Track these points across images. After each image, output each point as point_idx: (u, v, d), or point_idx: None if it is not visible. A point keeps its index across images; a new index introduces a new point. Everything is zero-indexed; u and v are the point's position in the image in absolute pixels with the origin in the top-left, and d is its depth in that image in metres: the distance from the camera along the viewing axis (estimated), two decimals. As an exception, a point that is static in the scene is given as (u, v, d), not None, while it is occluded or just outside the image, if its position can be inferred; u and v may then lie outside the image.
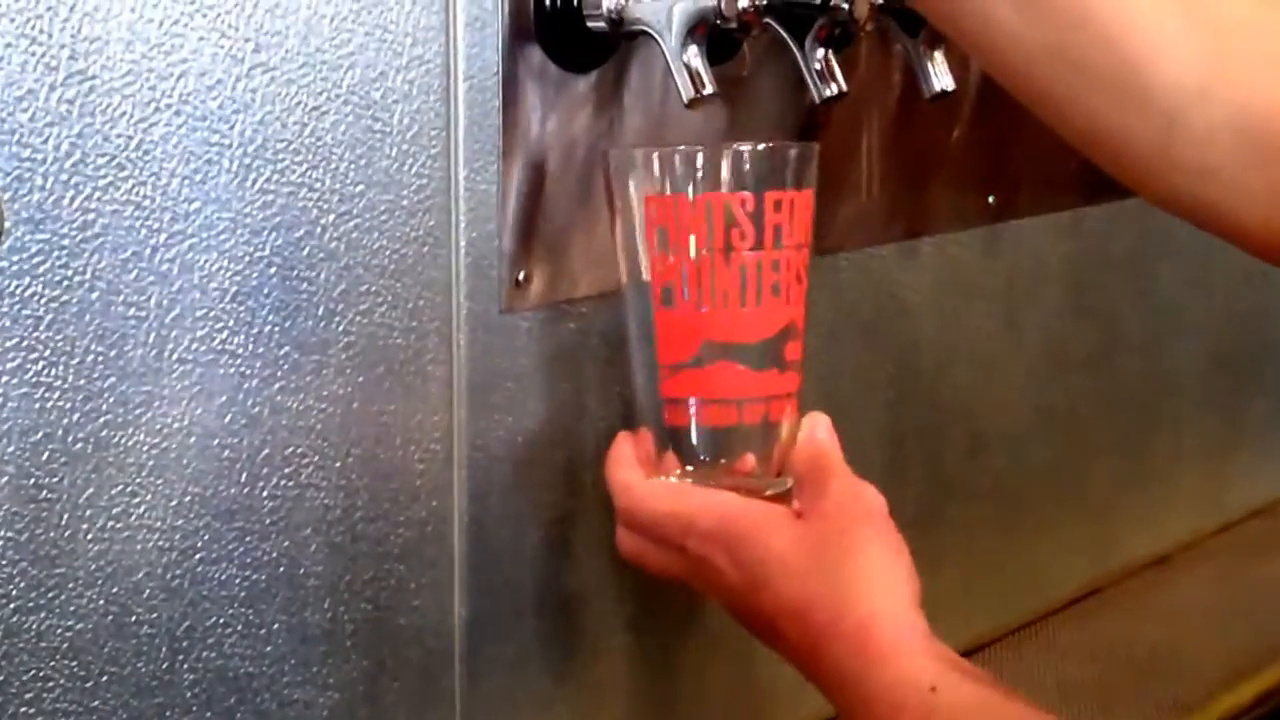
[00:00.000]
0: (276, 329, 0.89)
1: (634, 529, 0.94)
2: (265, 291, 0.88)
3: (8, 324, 0.78)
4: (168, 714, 0.86)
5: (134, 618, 0.85)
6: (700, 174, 0.91)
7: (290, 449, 0.90)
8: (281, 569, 0.91)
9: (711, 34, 0.98)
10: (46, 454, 0.80)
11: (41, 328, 0.79)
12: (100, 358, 0.82)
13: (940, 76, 1.16)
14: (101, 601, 0.83)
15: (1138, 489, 1.62)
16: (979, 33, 0.90)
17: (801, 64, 1.08)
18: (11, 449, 0.79)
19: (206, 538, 0.87)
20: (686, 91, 0.97)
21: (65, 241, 0.80)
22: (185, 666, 0.87)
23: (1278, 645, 1.44)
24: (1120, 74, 0.87)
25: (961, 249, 1.35)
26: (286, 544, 0.91)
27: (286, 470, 0.90)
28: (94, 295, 0.81)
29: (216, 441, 0.87)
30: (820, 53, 1.08)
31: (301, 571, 0.92)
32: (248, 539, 0.89)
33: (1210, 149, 0.87)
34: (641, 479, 0.94)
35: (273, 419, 0.89)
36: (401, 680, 0.97)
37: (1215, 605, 1.56)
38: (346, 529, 0.93)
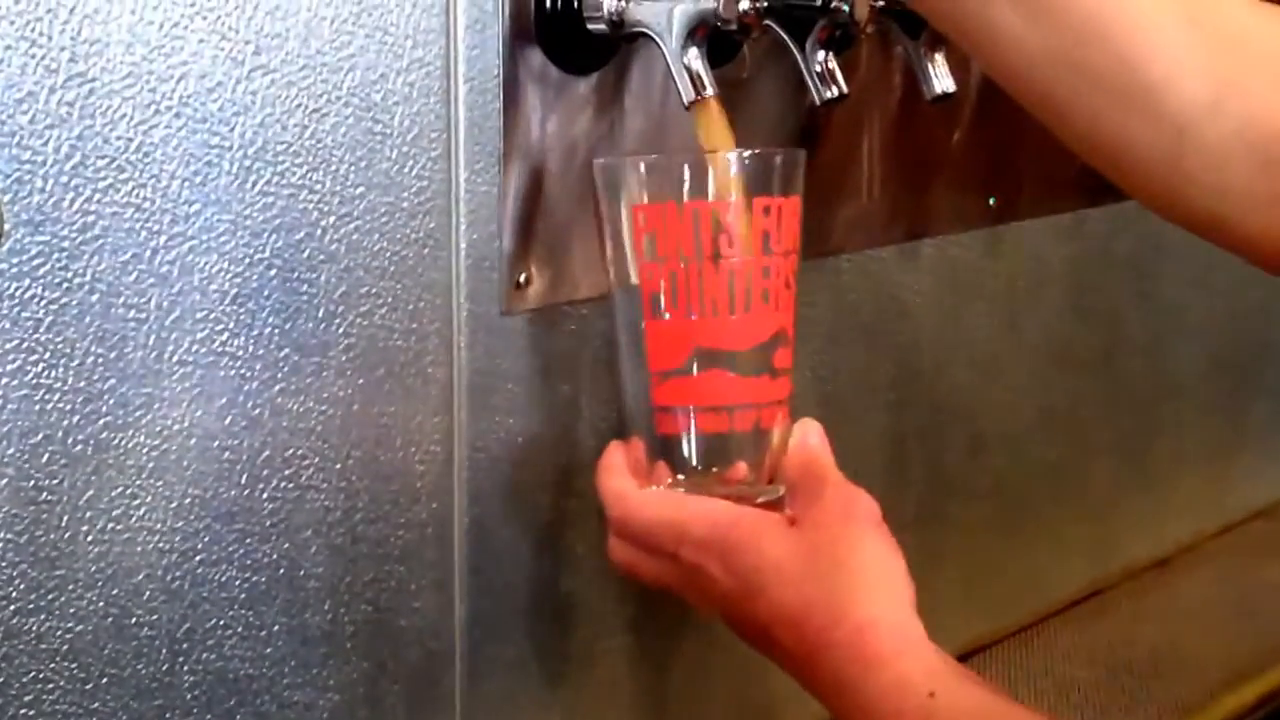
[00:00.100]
0: (277, 331, 0.89)
1: (626, 538, 0.94)
2: (265, 293, 0.88)
3: (7, 326, 0.78)
4: (168, 716, 0.87)
5: (134, 620, 0.85)
6: (688, 182, 0.91)
7: (290, 451, 0.90)
8: (282, 571, 0.91)
9: (712, 36, 0.98)
10: (46, 456, 0.80)
11: (41, 330, 0.79)
12: (100, 360, 0.82)
13: (941, 78, 1.16)
14: (101, 603, 0.83)
15: (1139, 490, 1.62)
16: (985, 40, 0.90)
17: (802, 66, 1.08)
18: (11, 451, 0.79)
19: (207, 540, 0.87)
20: (687, 94, 0.97)
21: (65, 244, 0.80)
22: (185, 668, 0.87)
23: (1279, 647, 1.44)
24: (1130, 86, 0.87)
25: (962, 251, 1.35)
26: (287, 546, 0.91)
27: (287, 472, 0.90)
28: (94, 297, 0.81)
29: (217, 443, 0.87)
30: (821, 55, 1.08)
31: (302, 573, 0.92)
32: (248, 541, 0.89)
33: (1220, 162, 0.87)
34: (634, 487, 0.94)
35: (273, 421, 0.89)
36: (402, 682, 0.97)
37: (1216, 607, 1.56)
38: (347, 531, 0.93)
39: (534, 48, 0.99)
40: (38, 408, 0.80)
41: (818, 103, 1.09)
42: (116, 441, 0.83)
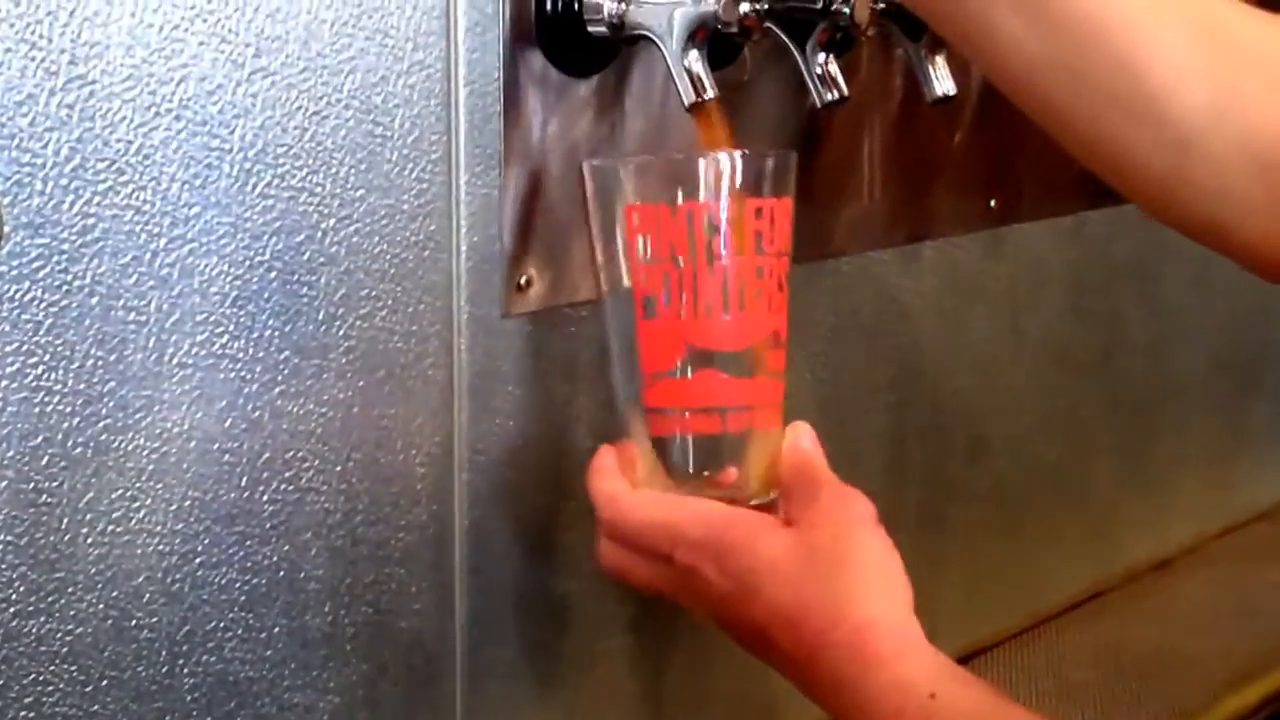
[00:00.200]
0: (277, 333, 0.89)
1: (619, 540, 0.93)
2: (265, 296, 0.88)
3: (7, 329, 0.78)
4: (167, 718, 0.87)
5: (134, 622, 0.85)
6: (681, 182, 0.91)
7: (291, 453, 0.90)
8: (282, 573, 0.91)
9: (712, 39, 0.98)
10: (46, 458, 0.80)
11: (41, 332, 0.79)
12: (100, 362, 0.82)
13: (942, 81, 1.16)
14: (101, 606, 0.83)
15: (1140, 492, 1.62)
16: (986, 45, 0.90)
17: (803, 69, 1.08)
18: (11, 453, 0.79)
19: (207, 542, 0.87)
20: (687, 96, 0.97)
21: (65, 246, 0.80)
22: (185, 671, 0.87)
23: (1280, 648, 1.45)
24: (1131, 93, 0.87)
25: (963, 253, 1.35)
26: (287, 548, 0.91)
27: (287, 474, 0.90)
28: (94, 300, 0.81)
29: (217, 446, 0.87)
30: (821, 57, 1.08)
31: (302, 575, 0.92)
32: (248, 543, 0.89)
33: (1223, 172, 0.87)
34: (626, 489, 0.93)
35: (273, 423, 0.89)
36: (402, 684, 0.97)
37: (1218, 608, 1.56)
38: (347, 533, 0.93)
39: (534, 50, 0.99)
40: (37, 410, 0.80)
41: (818, 105, 1.09)
42: (116, 444, 0.83)
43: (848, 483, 0.93)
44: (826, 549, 0.88)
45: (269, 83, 0.86)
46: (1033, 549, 1.48)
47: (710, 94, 0.97)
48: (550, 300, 1.02)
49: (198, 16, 0.83)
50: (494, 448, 1.00)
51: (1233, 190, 0.87)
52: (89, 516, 0.82)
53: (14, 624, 0.80)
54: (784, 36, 1.07)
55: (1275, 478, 1.79)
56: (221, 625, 0.88)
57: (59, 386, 0.80)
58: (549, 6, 0.98)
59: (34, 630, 0.81)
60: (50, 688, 0.82)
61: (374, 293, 0.93)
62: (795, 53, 1.07)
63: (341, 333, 0.92)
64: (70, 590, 0.82)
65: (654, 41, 0.98)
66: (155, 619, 0.85)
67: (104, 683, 0.84)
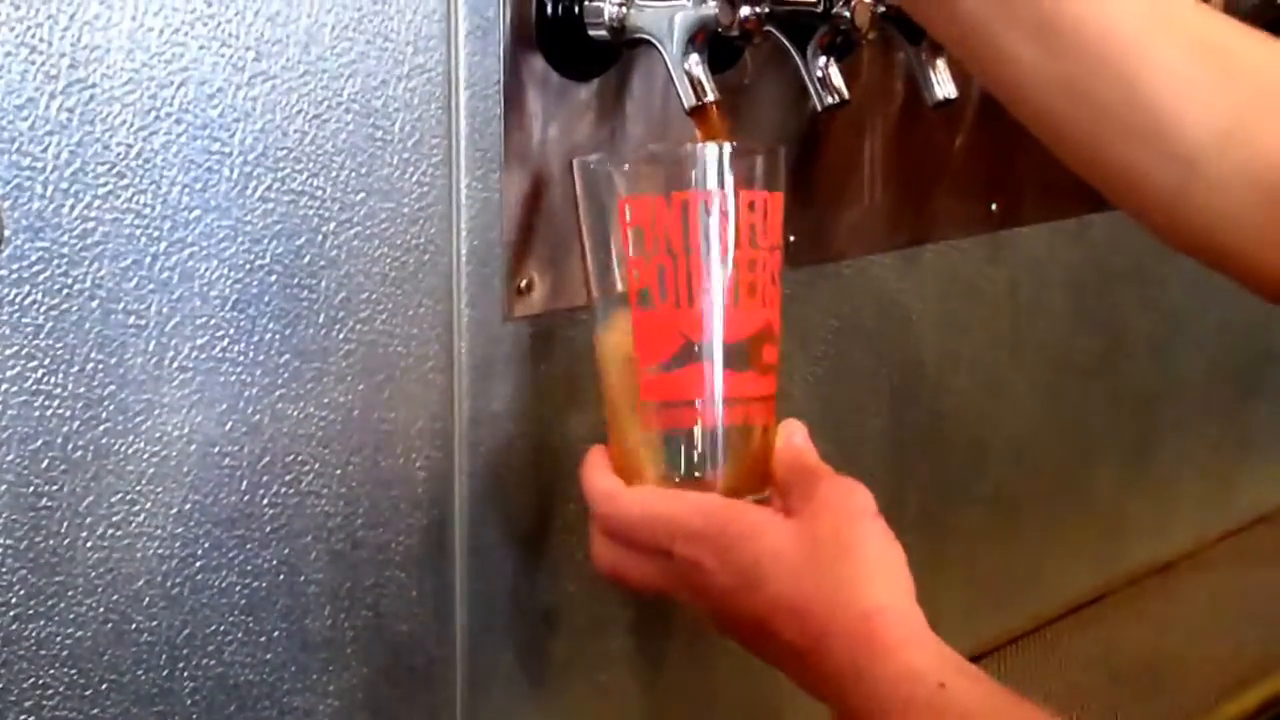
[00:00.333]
0: (277, 337, 0.89)
1: (615, 536, 0.92)
2: (266, 299, 0.88)
3: (7, 332, 0.78)
4: (168, 722, 0.87)
5: (134, 625, 0.85)
6: (675, 174, 0.91)
7: (291, 456, 0.90)
8: (282, 576, 0.91)
9: (713, 42, 0.98)
10: (46, 462, 0.80)
11: (41, 336, 0.79)
12: (100, 365, 0.82)
13: (943, 84, 1.16)
14: (101, 609, 0.83)
15: (1141, 496, 1.62)
16: (993, 65, 0.90)
17: (803, 72, 1.08)
18: (11, 457, 0.79)
19: (207, 545, 0.87)
20: (688, 99, 0.97)
21: (65, 249, 0.80)
22: (185, 674, 0.87)
23: (1281, 652, 1.45)
24: (1139, 117, 0.88)
25: (964, 256, 1.35)
26: (287, 551, 0.91)
27: (287, 478, 0.90)
28: (94, 303, 0.81)
29: (217, 449, 0.87)
30: (822, 61, 1.08)
31: (302, 579, 0.92)
32: (248, 546, 0.89)
33: (1228, 195, 0.88)
34: (621, 485, 0.92)
35: (273, 427, 0.89)
36: (402, 687, 0.97)
37: (1220, 612, 1.56)
38: (347, 536, 0.93)
39: (535, 54, 0.99)
40: (37, 414, 0.80)
41: (819, 108, 1.09)
42: (116, 447, 0.83)
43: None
44: (829, 539, 0.88)
45: (269, 86, 0.87)
46: (1034, 552, 1.48)
47: (711, 97, 0.97)
48: (551, 304, 1.02)
49: (198, 20, 0.83)
50: (494, 451, 1.00)
51: (1236, 213, 0.88)
52: (89, 520, 0.82)
53: (14, 627, 0.80)
54: (784, 40, 1.07)
55: (1276, 481, 1.79)
56: (221, 629, 0.88)
57: (59, 390, 0.80)
58: (549, 10, 0.98)
59: (34, 634, 0.81)
60: (50, 691, 0.82)
61: (374, 296, 0.93)
62: (796, 56, 1.07)
63: (342, 336, 0.92)
64: (70, 594, 0.82)
65: (654, 45, 0.98)
66: (155, 622, 0.85)
67: (104, 686, 0.84)
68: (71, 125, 0.79)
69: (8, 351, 0.78)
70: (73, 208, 0.80)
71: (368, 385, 0.93)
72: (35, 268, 0.79)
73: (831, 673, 0.86)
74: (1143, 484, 1.61)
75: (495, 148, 0.97)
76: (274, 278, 0.88)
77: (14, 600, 0.80)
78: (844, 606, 0.86)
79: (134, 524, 0.84)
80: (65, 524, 0.81)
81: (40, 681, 0.81)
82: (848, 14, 1.06)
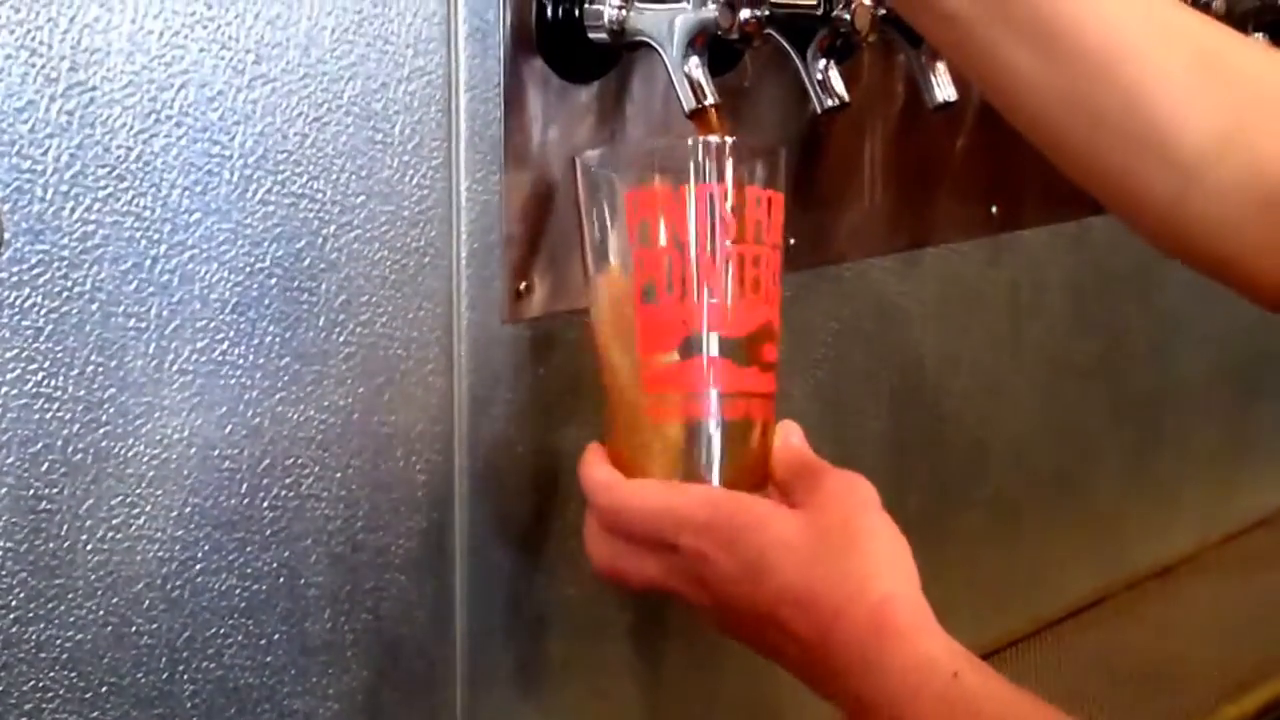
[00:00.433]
0: (277, 340, 0.89)
1: (615, 530, 0.90)
2: (266, 302, 0.88)
3: (7, 335, 0.78)
4: (167, 725, 0.87)
5: (134, 628, 0.85)
6: (682, 167, 0.91)
7: (291, 459, 0.90)
8: (282, 579, 0.91)
9: (713, 45, 0.98)
10: (46, 465, 0.80)
11: (41, 339, 0.79)
12: (100, 369, 0.82)
13: (943, 87, 1.16)
14: (101, 612, 0.83)
15: (1142, 499, 1.61)
16: (990, 74, 0.90)
17: (803, 75, 1.08)
18: (11, 459, 0.79)
19: (207, 548, 0.87)
20: (688, 102, 0.98)
21: (65, 252, 0.80)
22: (185, 677, 0.87)
23: (1281, 656, 1.45)
24: (1139, 128, 0.88)
25: (964, 259, 1.35)
26: (287, 554, 0.91)
27: (287, 481, 0.90)
28: (94, 306, 0.81)
29: (217, 452, 0.87)
30: (822, 63, 1.08)
31: (302, 582, 0.92)
32: (248, 549, 0.89)
33: (1226, 205, 0.88)
34: (622, 478, 0.91)
35: (273, 429, 0.89)
36: (402, 691, 0.97)
37: (1220, 616, 1.56)
38: (347, 539, 0.93)
39: (535, 56, 0.99)
40: (38, 416, 0.80)
41: (819, 111, 1.09)
42: (117, 450, 0.83)
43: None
44: (838, 529, 0.87)
45: (269, 89, 0.87)
46: (1034, 555, 1.48)
47: (710, 100, 0.97)
48: (551, 306, 1.02)
49: (198, 23, 0.83)
50: (494, 454, 1.00)
51: (1234, 221, 0.88)
52: (89, 523, 0.82)
53: (14, 630, 0.80)
54: (784, 42, 1.07)
55: (1277, 484, 1.79)
56: (221, 632, 0.88)
57: (59, 393, 0.80)
58: (550, 13, 0.98)
59: (34, 637, 0.81)
60: (50, 694, 0.82)
61: (374, 299, 0.93)
62: (796, 59, 1.08)
63: (342, 339, 0.92)
64: (70, 597, 0.82)
65: (654, 47, 0.98)
66: (155, 625, 0.85)
67: (104, 689, 0.84)
68: (71, 128, 0.79)
69: (8, 354, 0.78)
70: (73, 210, 0.80)
71: (368, 388, 0.93)
72: (35, 270, 0.79)
73: (840, 664, 0.85)
74: (1143, 486, 1.61)
75: (495, 151, 0.97)
76: (274, 281, 0.88)
77: (14, 603, 0.80)
78: (854, 596, 0.85)
79: (134, 527, 0.84)
80: (65, 527, 0.81)
81: (40, 684, 0.81)
82: (848, 17, 1.06)
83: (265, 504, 0.89)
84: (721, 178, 0.91)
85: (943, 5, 0.90)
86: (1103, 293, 1.53)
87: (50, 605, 0.81)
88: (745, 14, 0.97)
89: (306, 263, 0.89)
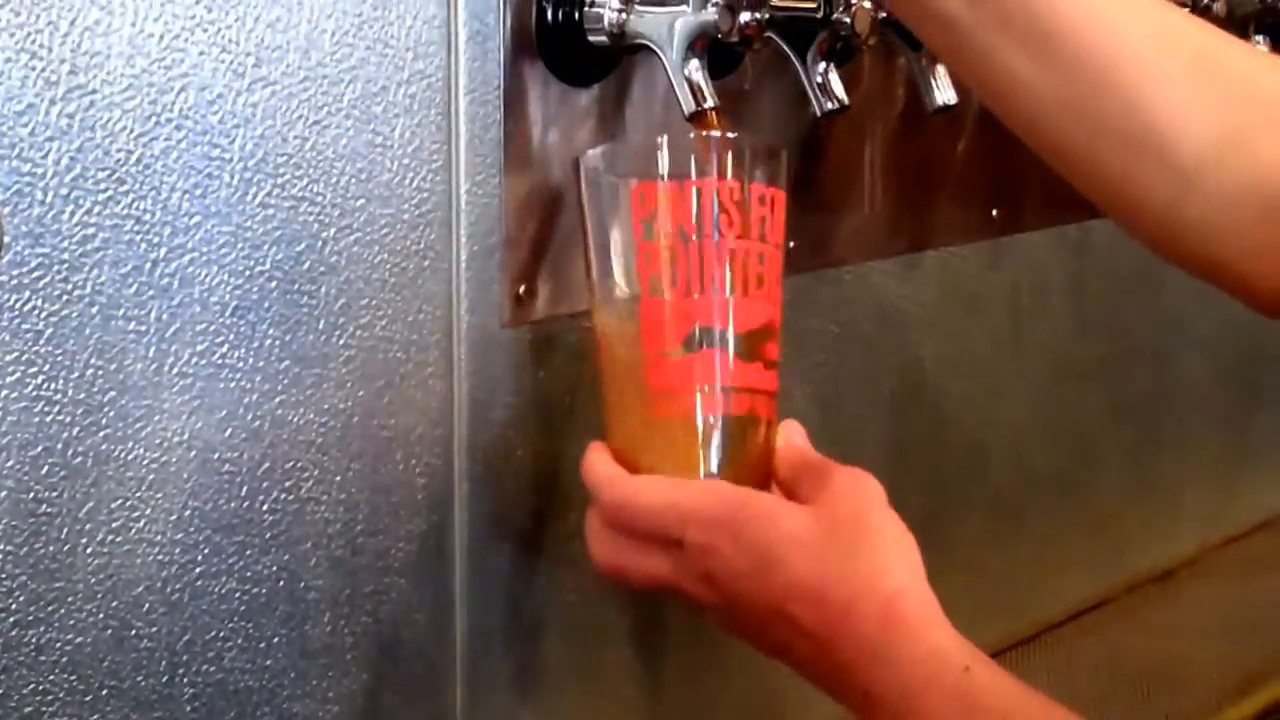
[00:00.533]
0: (277, 343, 0.89)
1: (620, 526, 0.89)
2: (265, 305, 0.88)
3: (7, 338, 0.78)
4: (167, 728, 0.87)
5: (134, 631, 0.85)
6: (688, 162, 0.91)
7: (291, 463, 0.90)
8: (282, 583, 0.91)
9: (713, 48, 0.98)
10: (46, 468, 0.80)
11: (41, 342, 0.79)
12: (100, 372, 0.82)
13: (943, 90, 1.16)
14: (101, 615, 0.83)
15: (1143, 502, 1.61)
16: (992, 79, 0.91)
17: (803, 78, 1.08)
18: (11, 463, 0.79)
19: (207, 551, 0.87)
20: (688, 105, 0.98)
21: (65, 256, 0.80)
22: (185, 680, 0.87)
23: (1281, 659, 1.45)
24: (1138, 132, 0.88)
25: (965, 263, 1.35)
26: (287, 558, 0.91)
27: (287, 484, 0.90)
28: (94, 309, 0.81)
29: (217, 455, 0.87)
30: (822, 66, 1.08)
31: (302, 585, 0.92)
32: (248, 553, 0.89)
33: (1224, 210, 0.88)
34: (627, 474, 0.90)
35: (273, 433, 0.89)
36: (402, 694, 0.97)
37: (1220, 619, 1.56)
38: (347, 543, 0.93)
39: (535, 59, 0.99)
40: (37, 420, 0.80)
41: (819, 114, 1.09)
42: (116, 454, 0.83)
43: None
44: (848, 523, 0.86)
45: (269, 92, 0.87)
46: (1035, 559, 1.48)
47: (710, 103, 0.97)
48: (550, 310, 1.02)
49: (198, 26, 0.83)
50: (494, 458, 1.00)
51: (1233, 226, 0.88)
52: (89, 526, 0.82)
53: (14, 633, 0.80)
54: (784, 45, 1.07)
55: (1278, 487, 1.79)
56: (221, 635, 0.88)
57: (59, 396, 0.80)
58: (550, 16, 0.98)
59: (34, 640, 0.81)
60: (50, 697, 0.82)
61: (374, 302, 0.93)
62: (796, 62, 1.08)
63: (342, 342, 0.92)
64: (70, 600, 0.82)
65: (654, 50, 0.98)
66: (155, 628, 0.85)
67: (104, 692, 0.84)
68: (71, 131, 0.79)
69: (8, 357, 0.78)
70: (73, 214, 0.80)
71: (367, 391, 0.93)
72: (35, 274, 0.79)
73: (849, 658, 0.85)
74: (1144, 489, 1.61)
75: (495, 153, 0.97)
76: (274, 283, 0.88)
77: (14, 606, 0.80)
78: (864, 590, 0.85)
79: (134, 530, 0.84)
80: (65, 530, 0.81)
81: (40, 687, 0.81)
82: (848, 20, 1.06)
83: (265, 507, 0.89)
84: (727, 173, 0.91)
85: (941, 10, 0.90)
86: (1103, 296, 1.53)
87: (50, 608, 0.81)
88: (745, 17, 0.97)
89: (306, 266, 0.89)
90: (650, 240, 0.90)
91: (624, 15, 0.98)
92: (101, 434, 0.82)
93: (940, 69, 1.15)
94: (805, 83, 1.08)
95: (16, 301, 0.78)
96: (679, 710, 1.16)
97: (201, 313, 0.85)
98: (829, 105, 1.08)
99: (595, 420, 1.03)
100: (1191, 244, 0.90)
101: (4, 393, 0.78)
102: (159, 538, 0.85)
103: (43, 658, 0.81)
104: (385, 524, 0.95)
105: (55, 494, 0.81)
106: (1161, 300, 1.60)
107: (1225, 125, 0.88)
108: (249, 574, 0.89)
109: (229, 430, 0.87)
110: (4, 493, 0.79)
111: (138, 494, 0.84)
